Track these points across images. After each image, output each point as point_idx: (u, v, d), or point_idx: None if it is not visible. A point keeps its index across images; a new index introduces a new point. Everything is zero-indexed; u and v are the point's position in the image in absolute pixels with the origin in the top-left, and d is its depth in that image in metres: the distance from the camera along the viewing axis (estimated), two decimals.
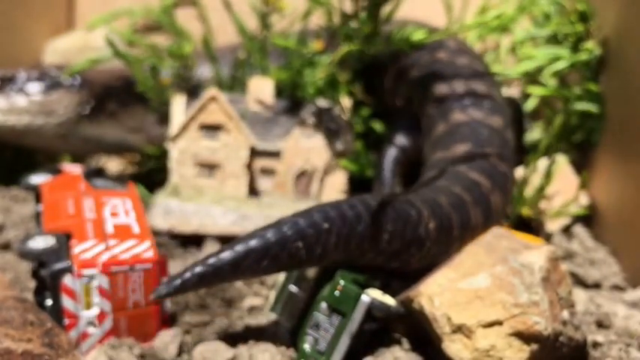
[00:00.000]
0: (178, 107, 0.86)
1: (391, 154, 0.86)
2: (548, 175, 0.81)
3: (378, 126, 0.90)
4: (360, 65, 0.87)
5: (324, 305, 0.55)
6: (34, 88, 0.83)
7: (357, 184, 0.90)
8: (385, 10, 0.81)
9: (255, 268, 0.54)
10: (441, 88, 0.81)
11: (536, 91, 0.85)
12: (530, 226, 0.83)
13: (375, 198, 0.59)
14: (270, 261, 0.54)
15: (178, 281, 0.52)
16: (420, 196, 0.63)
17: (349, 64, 0.87)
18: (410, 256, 0.60)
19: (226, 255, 0.53)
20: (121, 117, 0.89)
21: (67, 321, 0.55)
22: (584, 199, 0.84)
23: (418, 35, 0.83)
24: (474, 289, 0.54)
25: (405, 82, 0.87)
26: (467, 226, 0.64)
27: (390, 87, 0.89)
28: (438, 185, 0.68)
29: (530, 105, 0.90)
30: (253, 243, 0.54)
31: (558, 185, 0.83)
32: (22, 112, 0.83)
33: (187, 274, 0.52)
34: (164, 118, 0.89)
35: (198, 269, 0.53)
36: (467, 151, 0.73)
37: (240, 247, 0.53)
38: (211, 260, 0.53)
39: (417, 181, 0.76)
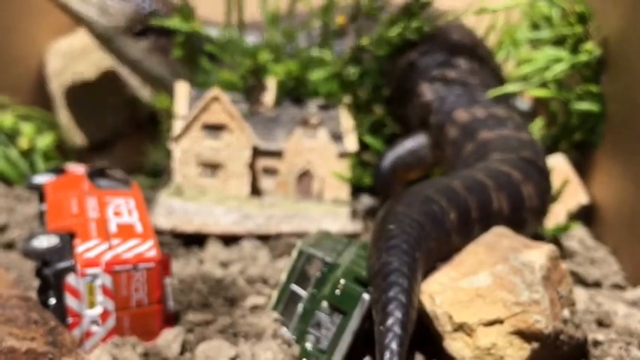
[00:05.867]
0: (182, 97, 0.86)
1: (387, 165, 0.85)
2: None
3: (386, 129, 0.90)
4: (384, 51, 0.87)
5: (325, 304, 0.56)
6: None
7: (358, 184, 0.90)
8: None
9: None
10: (462, 115, 0.81)
11: (538, 93, 0.85)
12: None
13: (424, 211, 0.61)
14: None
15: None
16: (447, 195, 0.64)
17: (360, 58, 0.87)
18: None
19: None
20: (168, 56, 0.96)
21: (70, 320, 0.55)
22: (584, 199, 0.84)
23: (428, 26, 0.84)
24: (475, 288, 0.54)
25: (419, 105, 0.86)
26: (487, 210, 0.65)
27: (399, 110, 0.89)
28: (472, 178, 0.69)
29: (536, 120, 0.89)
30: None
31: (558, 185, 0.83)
32: (91, 4, 0.92)
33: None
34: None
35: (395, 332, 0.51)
36: (504, 154, 0.73)
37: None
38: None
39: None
